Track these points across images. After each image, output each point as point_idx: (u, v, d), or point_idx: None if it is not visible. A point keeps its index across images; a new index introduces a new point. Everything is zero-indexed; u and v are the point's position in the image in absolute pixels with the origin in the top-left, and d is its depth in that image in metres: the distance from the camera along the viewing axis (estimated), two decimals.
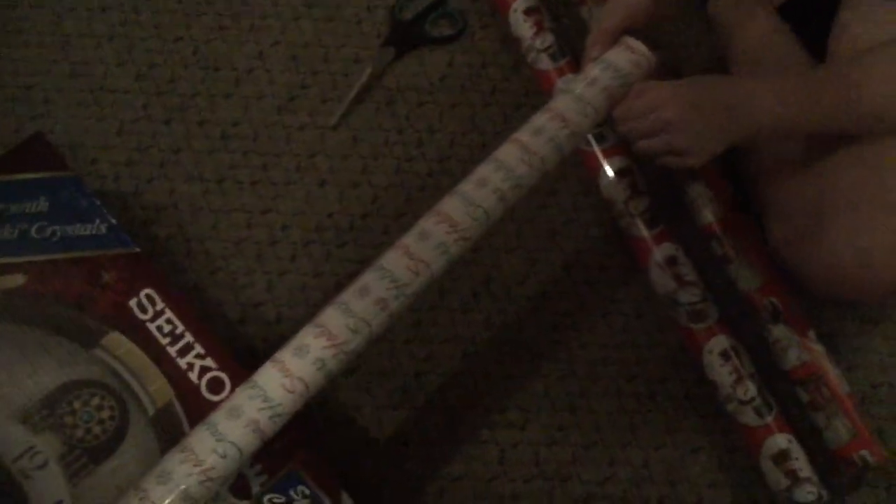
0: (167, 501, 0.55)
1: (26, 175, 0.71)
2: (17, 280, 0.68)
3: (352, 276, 0.81)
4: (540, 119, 0.65)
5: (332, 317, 0.59)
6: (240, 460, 0.56)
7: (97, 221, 0.70)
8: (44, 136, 0.72)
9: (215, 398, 0.66)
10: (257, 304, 0.81)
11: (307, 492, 0.64)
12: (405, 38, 0.90)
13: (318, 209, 0.84)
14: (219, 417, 0.57)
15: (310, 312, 0.79)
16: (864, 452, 0.76)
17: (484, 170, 0.64)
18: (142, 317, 0.67)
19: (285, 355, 0.58)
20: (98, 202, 0.70)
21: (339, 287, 0.79)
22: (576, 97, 0.67)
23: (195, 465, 0.55)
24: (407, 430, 0.78)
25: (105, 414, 0.65)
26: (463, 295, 0.82)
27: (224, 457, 0.56)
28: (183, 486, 0.55)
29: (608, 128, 0.83)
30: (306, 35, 0.90)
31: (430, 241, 0.61)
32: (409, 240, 0.62)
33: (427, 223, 0.62)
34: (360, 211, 0.84)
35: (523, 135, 0.65)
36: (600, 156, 0.84)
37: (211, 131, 0.86)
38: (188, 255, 0.81)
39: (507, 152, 0.64)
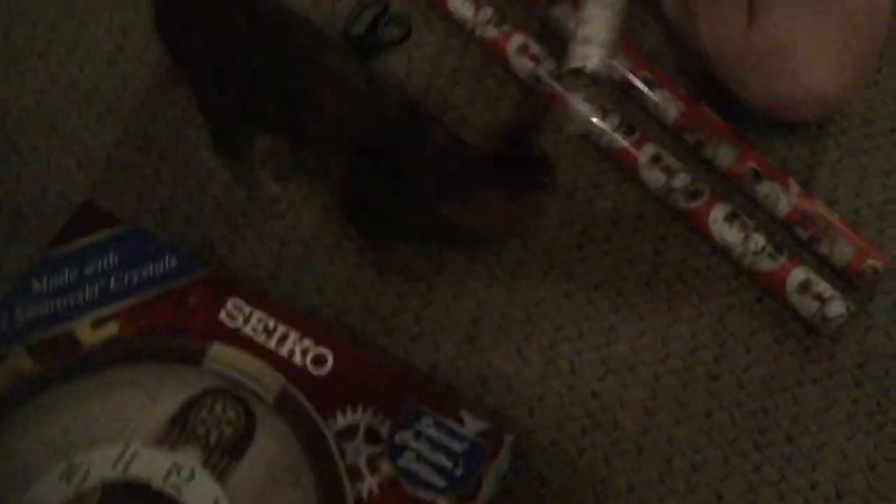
0: None
1: (90, 238, 0.77)
2: (112, 328, 0.74)
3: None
4: None
5: None
6: None
7: (167, 257, 0.77)
8: (92, 202, 0.79)
9: (322, 371, 0.73)
10: (315, 308, 0.88)
11: (430, 421, 0.71)
12: (363, 49, 1.00)
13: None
14: None
15: (362, 301, 0.87)
16: (870, 261, 0.87)
17: None
18: (234, 324, 0.74)
19: None
20: (162, 241, 0.77)
21: (376, 276, 0.88)
22: None
23: None
24: (483, 371, 0.86)
25: (231, 415, 0.71)
26: (504, 259, 0.91)
27: None
28: None
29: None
30: None
31: None
32: None
33: None
34: None
35: None
36: (566, 96, 0.94)
37: (222, 176, 0.93)
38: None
39: None
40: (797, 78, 0.82)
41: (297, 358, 0.73)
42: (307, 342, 0.74)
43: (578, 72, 0.74)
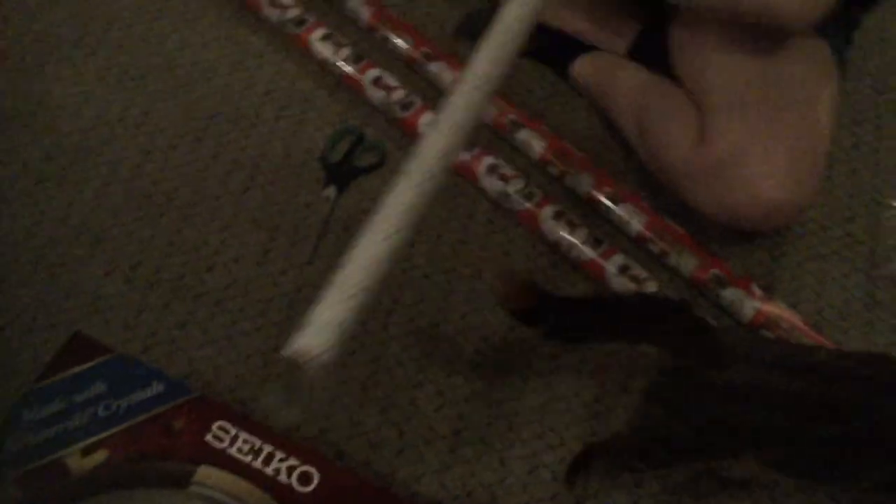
0: None
1: (79, 368, 0.80)
2: (101, 455, 0.75)
3: (374, 373, 0.92)
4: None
5: None
6: None
7: (154, 383, 0.79)
8: (81, 332, 0.82)
9: (308, 489, 0.74)
10: (299, 427, 0.90)
11: None
12: (341, 175, 1.05)
13: None
14: None
15: (346, 417, 0.90)
16: None
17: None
18: (220, 446, 0.76)
19: None
20: (149, 367, 0.80)
21: (366, 388, 0.91)
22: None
23: None
24: (467, 482, 0.87)
25: None
26: (483, 370, 0.94)
27: None
28: None
29: (532, 188, 1.00)
30: (258, 199, 1.04)
31: None
32: None
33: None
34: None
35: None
36: (535, 210, 0.99)
37: (207, 301, 0.97)
38: None
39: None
40: (748, 190, 0.87)
41: (283, 476, 0.75)
42: (293, 460, 0.75)
43: (298, 356, 0.61)
